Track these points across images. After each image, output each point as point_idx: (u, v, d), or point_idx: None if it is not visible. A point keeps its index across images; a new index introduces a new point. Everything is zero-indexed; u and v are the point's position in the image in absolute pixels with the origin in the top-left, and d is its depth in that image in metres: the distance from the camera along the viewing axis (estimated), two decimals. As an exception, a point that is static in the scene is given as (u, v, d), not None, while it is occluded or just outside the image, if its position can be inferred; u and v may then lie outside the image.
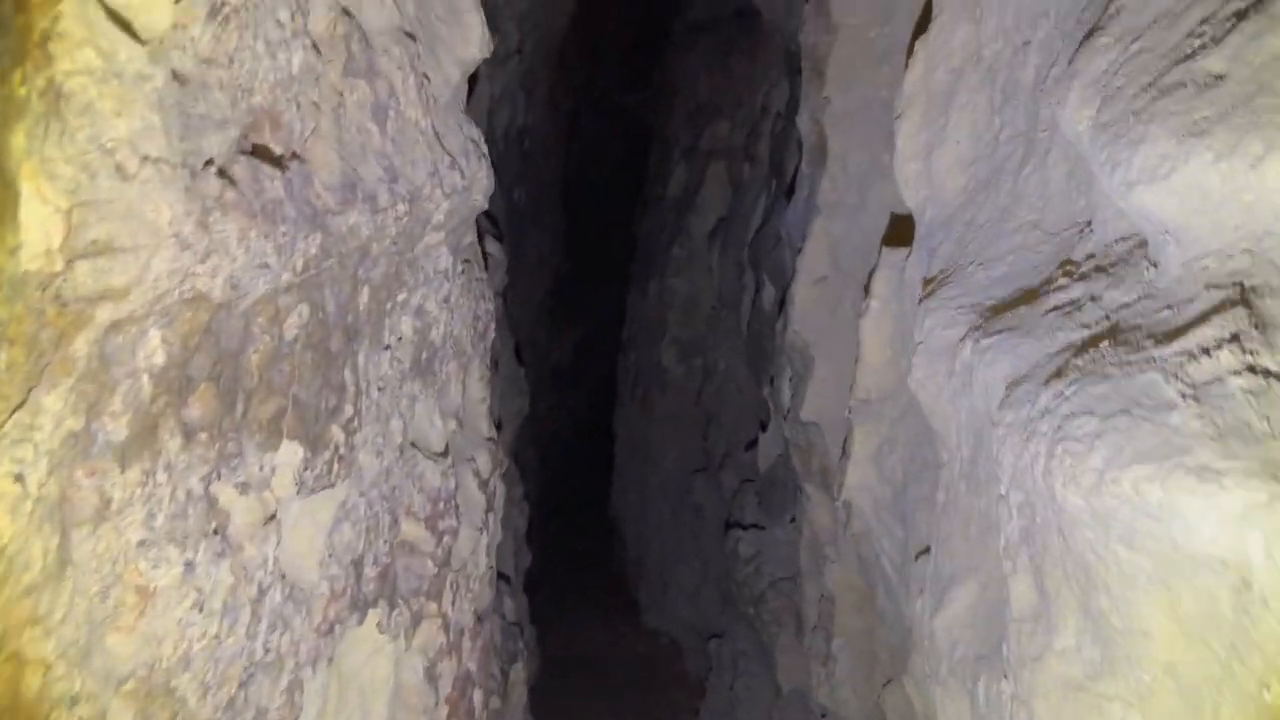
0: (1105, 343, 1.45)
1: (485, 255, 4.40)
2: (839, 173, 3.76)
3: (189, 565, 1.52)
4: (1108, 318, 1.55)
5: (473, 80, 5.42)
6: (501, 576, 5.29)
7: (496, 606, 4.05)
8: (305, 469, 1.76)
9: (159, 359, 1.37)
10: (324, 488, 1.85)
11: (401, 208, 1.93)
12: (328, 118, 1.74)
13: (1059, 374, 1.47)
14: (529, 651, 6.01)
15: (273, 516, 1.73)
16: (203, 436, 1.50)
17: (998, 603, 1.77)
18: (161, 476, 1.43)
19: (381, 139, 1.89)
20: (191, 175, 1.28)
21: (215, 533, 1.59)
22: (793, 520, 4.87)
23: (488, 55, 2.35)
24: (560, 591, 8.51)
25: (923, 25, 2.74)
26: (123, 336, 1.29)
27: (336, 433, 1.85)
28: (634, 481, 8.83)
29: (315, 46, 1.70)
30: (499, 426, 5.32)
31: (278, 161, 1.56)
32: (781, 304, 4.53)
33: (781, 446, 5.29)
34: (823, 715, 4.02)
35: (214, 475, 1.57)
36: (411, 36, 2.05)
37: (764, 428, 5.81)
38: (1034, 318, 1.74)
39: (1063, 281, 1.82)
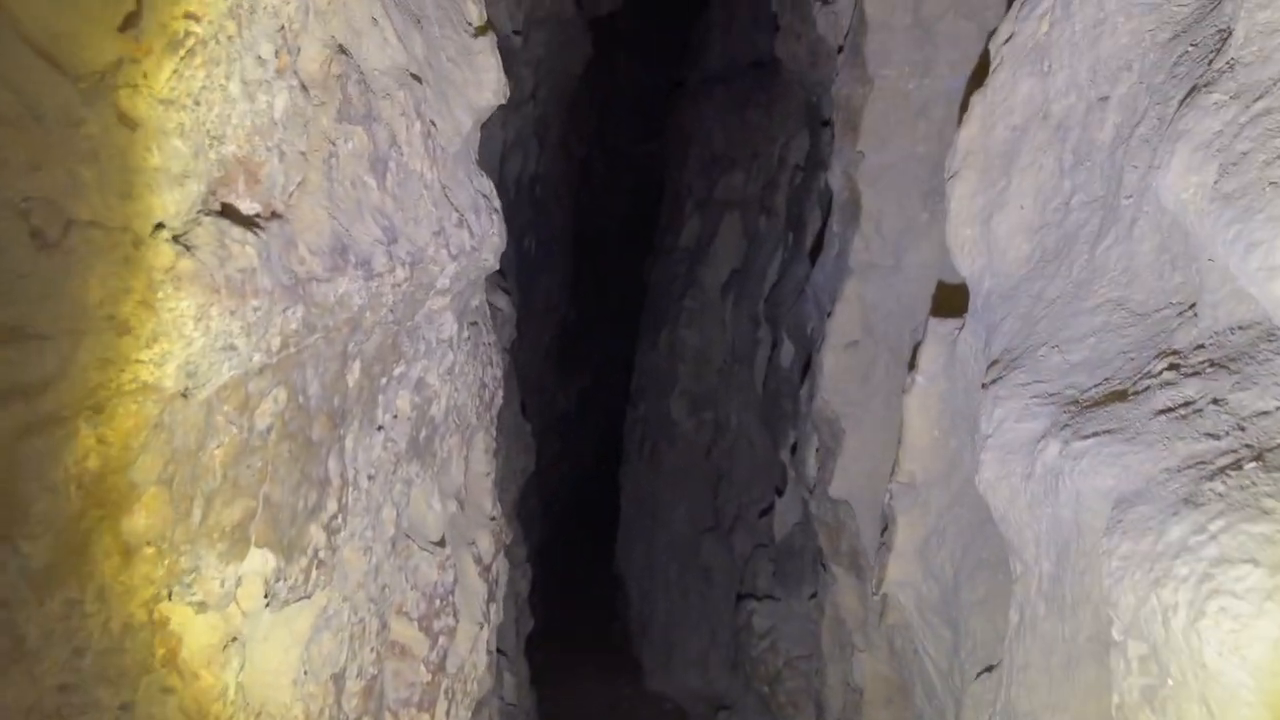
0: (1253, 465, 1.19)
1: (493, 311, 4.16)
2: (873, 232, 3.52)
3: (125, 708, 1.25)
4: (1242, 428, 1.30)
5: (484, 125, 5.22)
6: (500, 652, 4.99)
7: (495, 689, 3.75)
8: (277, 579, 1.50)
9: (91, 464, 1.11)
10: (300, 599, 1.58)
11: (401, 273, 1.68)
12: (317, 170, 1.50)
13: (1192, 501, 1.20)
14: (528, 722, 5.69)
15: (235, 638, 1.46)
16: (148, 552, 1.24)
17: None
18: (92, 606, 1.17)
19: (380, 194, 1.65)
20: (135, 243, 1.03)
21: (163, 664, 1.32)
22: (813, 596, 4.57)
23: (503, 101, 2.11)
24: (561, 648, 8.19)
25: (978, 78, 2.52)
26: (40, 440, 1.03)
27: (316, 534, 1.59)
28: (640, 537, 8.53)
29: (304, 87, 1.47)
30: (501, 487, 5.05)
31: (252, 222, 1.31)
32: (806, 365, 4.27)
33: (799, 514, 5.01)
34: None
35: (162, 595, 1.30)
36: (418, 79, 1.82)
37: (780, 492, 5.53)
38: (1139, 420, 1.48)
39: (1168, 376, 1.56)
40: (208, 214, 1.21)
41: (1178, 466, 1.31)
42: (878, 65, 3.45)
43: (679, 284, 8.47)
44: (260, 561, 1.47)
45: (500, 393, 2.68)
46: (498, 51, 2.08)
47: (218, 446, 1.32)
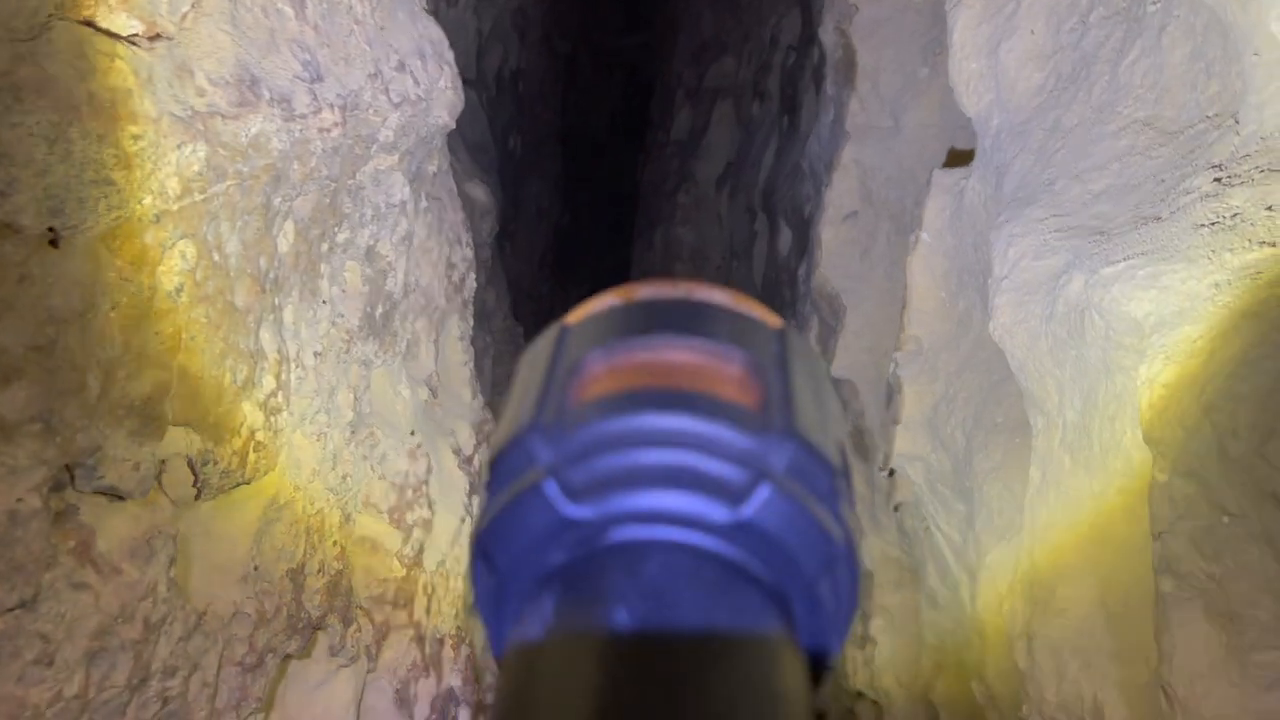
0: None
1: (469, 202, 3.94)
2: (869, 92, 3.28)
3: (25, 605, 1.10)
4: (1305, 229, 1.11)
5: (454, 10, 4.91)
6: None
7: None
8: (205, 462, 1.33)
9: (-62, 320, 0.93)
10: (239, 484, 1.42)
11: (329, 116, 1.47)
12: None
13: (1261, 314, 1.02)
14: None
15: (161, 531, 1.29)
16: (34, 429, 1.06)
17: (1133, 603, 1.34)
18: (-37, 490, 1.00)
19: (299, 24, 1.43)
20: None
21: (72, 556, 1.16)
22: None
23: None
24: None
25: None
26: None
27: (251, 412, 1.41)
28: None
29: (191, -111, 1.24)
30: (494, 391, 4.90)
31: (130, 38, 1.11)
32: (804, 246, 4.07)
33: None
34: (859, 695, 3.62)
35: (62, 480, 1.13)
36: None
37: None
38: (1177, 235, 1.29)
39: (1209, 189, 1.36)
40: (62, 19, 1.00)
41: (1229, 280, 1.13)
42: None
43: (671, 180, 8.21)
44: (183, 442, 1.30)
45: (472, 275, 2.49)
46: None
47: (112, 308, 1.14)
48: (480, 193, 3.93)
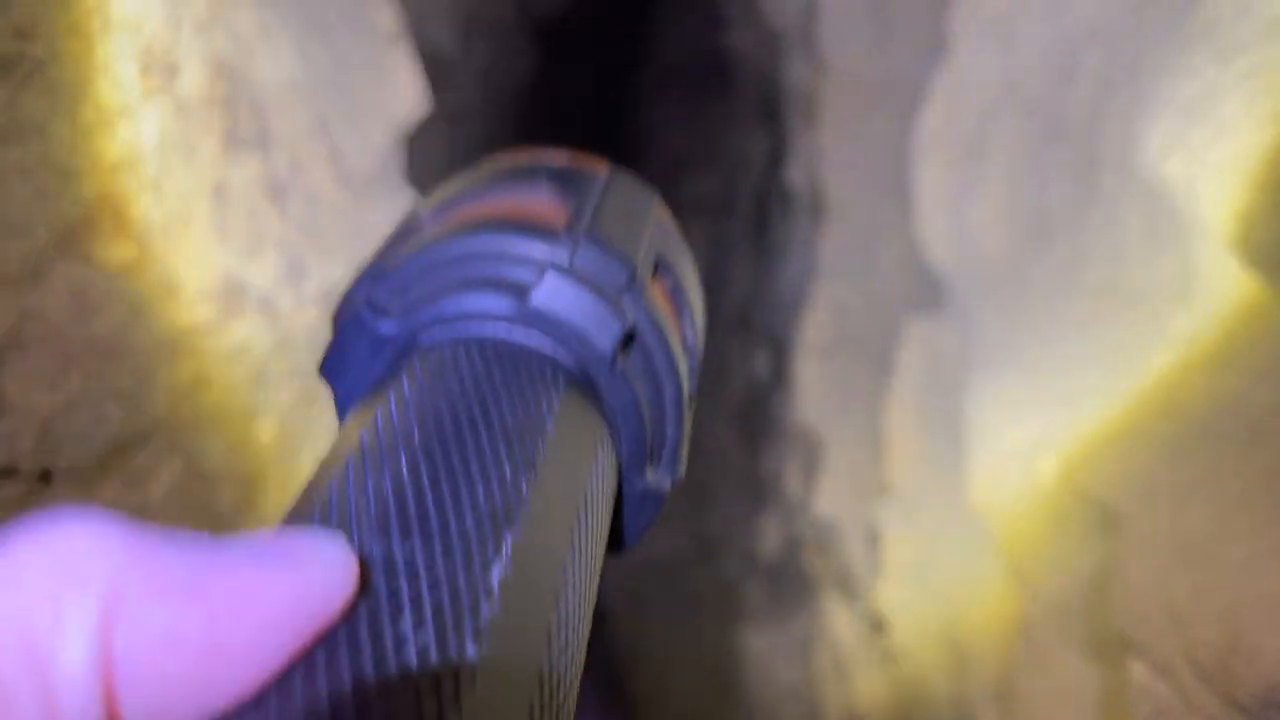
0: None
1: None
2: (840, 231, 3.37)
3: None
4: None
5: (426, 142, 5.04)
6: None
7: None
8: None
9: None
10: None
11: (313, 311, 1.50)
12: (203, 203, 1.32)
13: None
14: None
15: None
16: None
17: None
18: None
19: (282, 224, 1.47)
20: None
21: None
22: (801, 617, 4.40)
23: (425, 113, 1.94)
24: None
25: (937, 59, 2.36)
26: None
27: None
28: (622, 567, 8.33)
29: (184, 111, 1.29)
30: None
31: (124, 268, 1.14)
32: (779, 375, 4.11)
33: (783, 536, 4.84)
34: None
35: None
36: (321, 94, 1.64)
37: (761, 511, 5.36)
38: (1143, 420, 1.32)
39: (1169, 371, 1.40)
40: (61, 259, 1.03)
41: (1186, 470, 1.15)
42: (832, 48, 3.31)
43: (646, 297, 8.31)
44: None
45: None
46: (417, 58, 1.91)
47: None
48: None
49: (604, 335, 0.35)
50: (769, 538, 5.01)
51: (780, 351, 4.26)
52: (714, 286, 7.21)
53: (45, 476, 1.04)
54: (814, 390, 3.34)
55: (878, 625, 2.60)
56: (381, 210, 1.81)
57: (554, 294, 0.35)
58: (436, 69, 5.01)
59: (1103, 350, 1.61)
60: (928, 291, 2.97)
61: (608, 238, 0.37)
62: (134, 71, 1.17)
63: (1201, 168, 1.34)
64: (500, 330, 0.35)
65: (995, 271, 2.04)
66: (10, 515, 0.98)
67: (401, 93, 1.85)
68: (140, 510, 1.20)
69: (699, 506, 6.99)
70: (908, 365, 2.40)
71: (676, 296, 0.42)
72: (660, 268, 0.41)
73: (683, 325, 0.42)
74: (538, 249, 0.36)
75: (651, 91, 9.06)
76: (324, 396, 1.73)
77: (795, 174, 3.61)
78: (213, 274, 1.30)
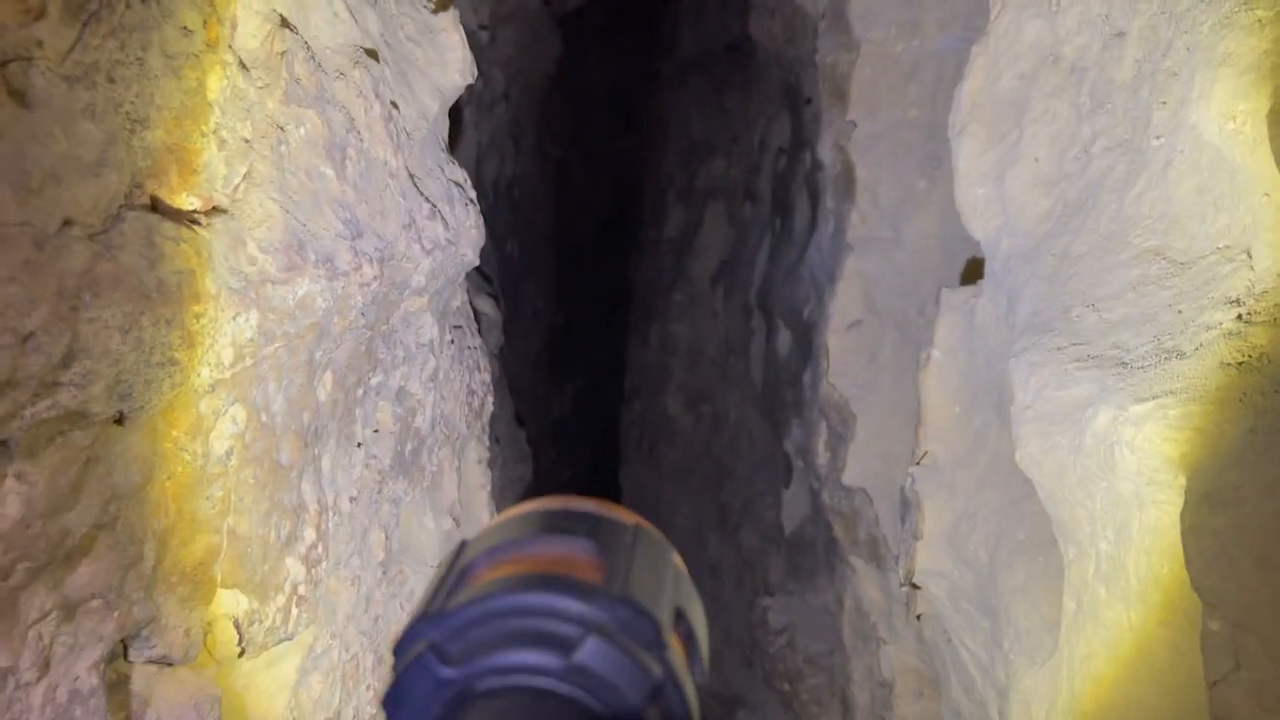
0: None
1: (479, 315, 3.99)
2: (869, 205, 3.36)
3: (80, 788, 1.08)
4: (1336, 376, 1.14)
5: (460, 127, 5.03)
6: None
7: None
8: (252, 622, 1.33)
9: (11, 510, 0.94)
10: (282, 640, 1.41)
11: (369, 271, 1.51)
12: (265, 159, 1.33)
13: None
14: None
15: (209, 693, 1.29)
16: (94, 605, 1.07)
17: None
18: (28, 674, 1.00)
19: (340, 185, 1.48)
20: (37, 243, 0.86)
21: (122, 730, 1.15)
22: (829, 589, 4.41)
23: (471, 81, 1.94)
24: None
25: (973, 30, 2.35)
26: (-60, 487, 0.86)
27: (294, 567, 1.42)
28: (645, 541, 8.34)
29: (244, 65, 1.29)
30: (500, 498, 4.88)
31: (190, 218, 1.14)
32: (807, 350, 4.11)
33: (809, 506, 4.85)
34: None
35: (115, 653, 1.13)
36: (374, 57, 1.65)
37: (785, 484, 5.37)
38: (1205, 374, 1.32)
39: (1231, 326, 1.40)
40: (132, 209, 1.04)
41: (1264, 426, 1.15)
42: (863, 29, 3.30)
43: (666, 278, 8.31)
44: (231, 604, 1.30)
45: (490, 399, 2.51)
46: (461, 28, 1.91)
47: (168, 478, 1.15)
48: (488, 306, 3.99)
49: (635, 691, 0.41)
50: (792, 510, 5.02)
51: (804, 329, 4.25)
52: (736, 268, 7.21)
53: (119, 420, 1.05)
54: (842, 363, 3.34)
55: (911, 592, 2.60)
56: (432, 176, 1.82)
57: (594, 653, 0.41)
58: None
59: (1155, 309, 1.60)
60: (960, 263, 2.97)
61: (639, 597, 0.44)
62: (198, 21, 1.17)
63: (1264, 122, 1.34)
64: (548, 684, 0.41)
65: (1038, 238, 2.04)
66: (85, 461, 0.99)
67: (449, 59, 1.85)
68: (203, 456, 1.21)
69: (719, 481, 7.00)
70: (944, 336, 2.39)
71: (690, 642, 0.49)
72: (679, 618, 0.48)
73: (694, 666, 0.49)
74: (579, 608, 0.42)
75: (673, 79, 9.04)
76: (374, 365, 1.75)
77: (824, 152, 3.60)
78: (275, 230, 1.31)
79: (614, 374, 9.82)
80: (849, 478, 3.22)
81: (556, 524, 0.50)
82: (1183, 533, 1.16)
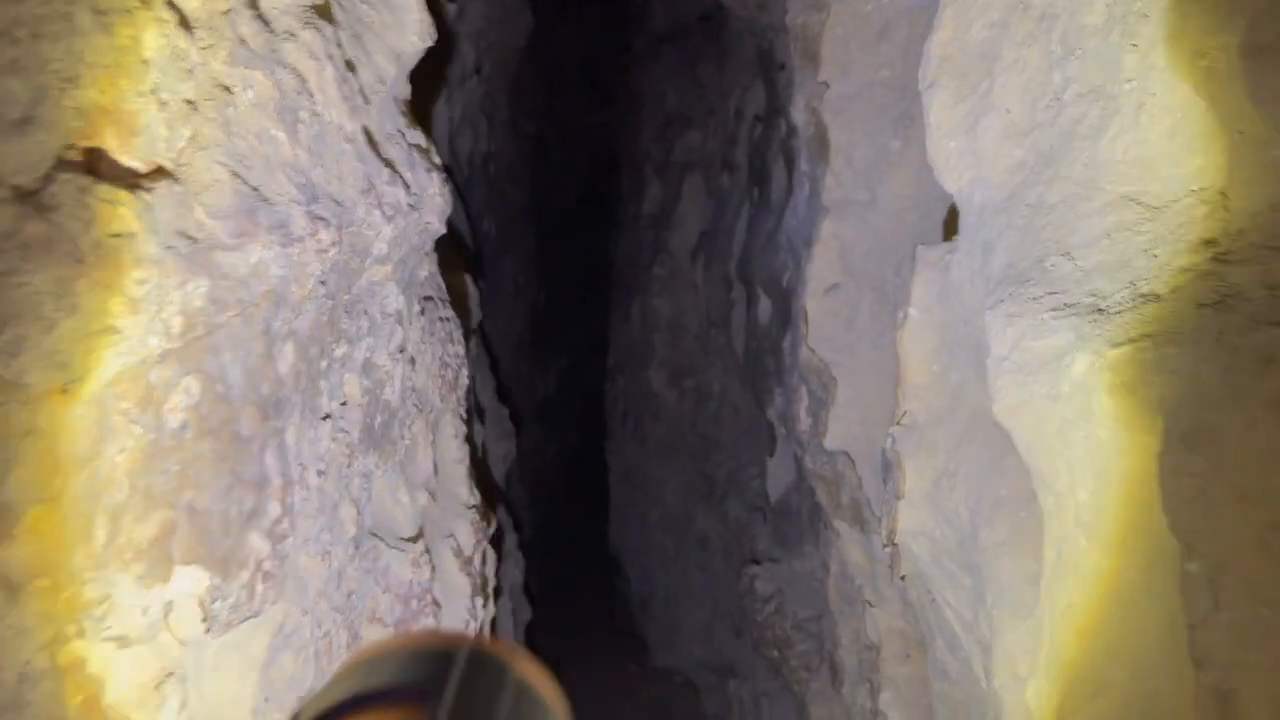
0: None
1: (453, 290, 3.94)
2: (843, 167, 3.33)
3: (37, 772, 1.05)
4: (1313, 310, 1.12)
5: (431, 102, 4.96)
6: (499, 642, 4.80)
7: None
8: (215, 599, 1.29)
9: (-54, 486, 0.90)
10: (247, 617, 1.38)
11: (326, 236, 1.46)
12: (211, 122, 1.28)
13: (1276, 402, 1.02)
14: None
15: (172, 673, 1.25)
16: (41, 585, 1.03)
17: (1161, 693, 1.32)
18: (-27, 656, 0.96)
19: (292, 148, 1.44)
20: (-45, 201, 0.82)
21: (82, 713, 1.12)
22: (815, 555, 4.41)
23: (430, 44, 1.89)
24: (564, 634, 8.07)
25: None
26: None
27: (258, 543, 1.38)
28: (633, 515, 8.36)
29: (185, 25, 1.25)
30: (486, 476, 4.85)
31: (131, 181, 1.10)
32: (786, 317, 4.09)
33: (793, 473, 4.84)
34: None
35: (68, 634, 1.10)
36: (327, 18, 1.60)
37: (769, 452, 5.36)
38: (1180, 316, 1.30)
39: (1204, 266, 1.38)
40: (65, 170, 1.00)
41: (1240, 364, 1.13)
42: (834, -12, 3.25)
43: (646, 252, 8.27)
44: (191, 581, 1.26)
45: (465, 372, 2.47)
46: (419, -11, 1.86)
47: (120, 451, 1.12)
48: (462, 282, 3.94)
49: None
50: (776, 478, 5.01)
51: (784, 295, 4.23)
52: (715, 240, 7.17)
53: (64, 391, 1.02)
54: (821, 328, 3.32)
55: (894, 553, 2.59)
56: (390, 140, 1.77)
57: None
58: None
59: (1130, 255, 1.58)
60: (936, 223, 2.94)
61: None
62: (134, -22, 1.13)
63: (1237, 56, 1.31)
64: None
65: (1011, 190, 2.01)
66: (23, 433, 0.95)
67: (406, 22, 1.80)
68: (156, 429, 1.18)
69: (705, 454, 6.99)
70: (920, 294, 2.37)
71: None
72: None
73: None
74: None
75: (646, 52, 8.96)
76: (338, 336, 1.71)
77: (797, 115, 3.56)
78: (224, 195, 1.26)
79: (598, 351, 9.79)
80: (830, 441, 3.20)
81: (378, 672, 0.53)
82: (1160, 475, 1.13)
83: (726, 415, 6.99)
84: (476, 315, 4.48)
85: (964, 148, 2.15)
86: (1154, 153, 1.66)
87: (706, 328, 7.32)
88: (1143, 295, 1.46)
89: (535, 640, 5.97)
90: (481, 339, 6.07)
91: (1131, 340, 1.34)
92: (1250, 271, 1.26)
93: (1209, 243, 1.42)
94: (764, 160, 5.61)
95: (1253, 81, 1.28)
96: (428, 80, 4.70)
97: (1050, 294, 1.68)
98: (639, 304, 8.29)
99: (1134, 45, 1.71)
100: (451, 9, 5.34)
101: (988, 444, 2.18)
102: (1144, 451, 1.29)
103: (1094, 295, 1.59)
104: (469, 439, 2.81)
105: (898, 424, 2.46)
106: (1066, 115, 1.89)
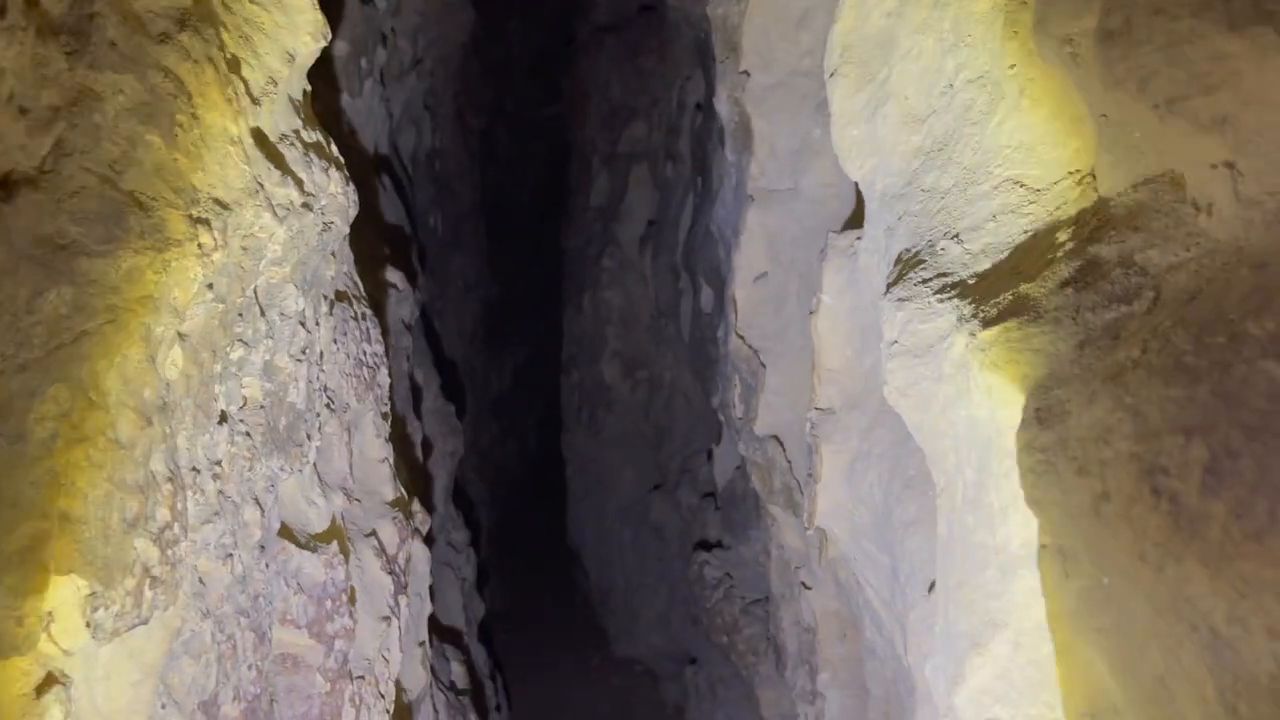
0: (1178, 330, 1.03)
1: (387, 287, 3.92)
2: (767, 156, 3.35)
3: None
4: (1156, 289, 1.15)
5: (361, 96, 4.92)
6: (450, 638, 4.81)
7: (437, 682, 3.57)
8: (97, 607, 1.29)
9: None
10: (135, 624, 1.38)
11: (208, 240, 1.46)
12: (75, 128, 1.27)
13: (1118, 378, 1.05)
14: (498, 702, 5.55)
15: (57, 682, 1.25)
16: (-101, 598, 1.03)
17: (1042, 663, 1.36)
18: None
19: (169, 151, 1.43)
20: None
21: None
22: (757, 538, 4.45)
23: (325, 43, 1.89)
24: (525, 629, 8.09)
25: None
26: None
27: (145, 549, 1.38)
28: (590, 507, 8.38)
29: (45, 32, 1.24)
30: (429, 477, 4.84)
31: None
32: (723, 306, 4.11)
33: (738, 459, 4.88)
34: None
35: (-65, 646, 1.09)
36: (208, 19, 1.59)
37: (717, 439, 5.40)
38: (1046, 295, 1.33)
39: (1071, 245, 1.41)
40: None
41: (1097, 339, 1.16)
42: (752, -22, 3.27)
43: (595, 244, 8.28)
44: (70, 590, 1.26)
45: (384, 370, 2.47)
46: (312, -12, 1.85)
47: (-19, 462, 1.11)
48: (398, 279, 3.93)
49: None
50: (722, 465, 5.05)
51: (721, 285, 4.26)
52: (662, 230, 7.18)
53: None
54: (750, 316, 3.34)
55: (820, 535, 2.63)
56: (283, 140, 1.77)
57: None
58: (369, 28, 4.88)
59: (1013, 236, 1.61)
60: (849, 208, 2.98)
61: None
62: (-18, -14, 1.12)
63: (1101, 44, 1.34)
64: None
65: (908, 175, 2.04)
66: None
67: (299, 22, 1.80)
68: (19, 438, 1.17)
69: (658, 443, 7.02)
70: (831, 280, 2.40)
71: None
72: None
73: None
74: None
75: (590, 43, 8.94)
76: (232, 339, 1.70)
77: (721, 105, 3.58)
78: (89, 199, 1.26)
79: (553, 345, 9.78)
80: (760, 427, 3.23)
81: None
82: (1017, 451, 1.17)
83: (679, 404, 7.03)
84: (413, 310, 4.46)
85: (865, 135, 2.18)
86: (1036, 137, 1.69)
87: (657, 318, 7.34)
88: (1018, 275, 1.49)
89: (498, 635, 5.98)
90: (426, 337, 6.05)
91: (1002, 320, 1.37)
92: (1109, 250, 1.30)
93: (1080, 223, 1.46)
94: (704, 150, 5.63)
95: (1105, 67, 1.31)
96: (362, 79, 4.67)
97: (938, 276, 1.71)
98: (590, 296, 8.30)
99: (1015, 32, 1.74)
100: (382, 4, 5.31)
101: (898, 425, 2.21)
102: (1012, 429, 1.32)
103: (976, 277, 1.62)
104: (403, 438, 2.81)
105: (815, 409, 2.49)
106: (958, 101, 1.93)
